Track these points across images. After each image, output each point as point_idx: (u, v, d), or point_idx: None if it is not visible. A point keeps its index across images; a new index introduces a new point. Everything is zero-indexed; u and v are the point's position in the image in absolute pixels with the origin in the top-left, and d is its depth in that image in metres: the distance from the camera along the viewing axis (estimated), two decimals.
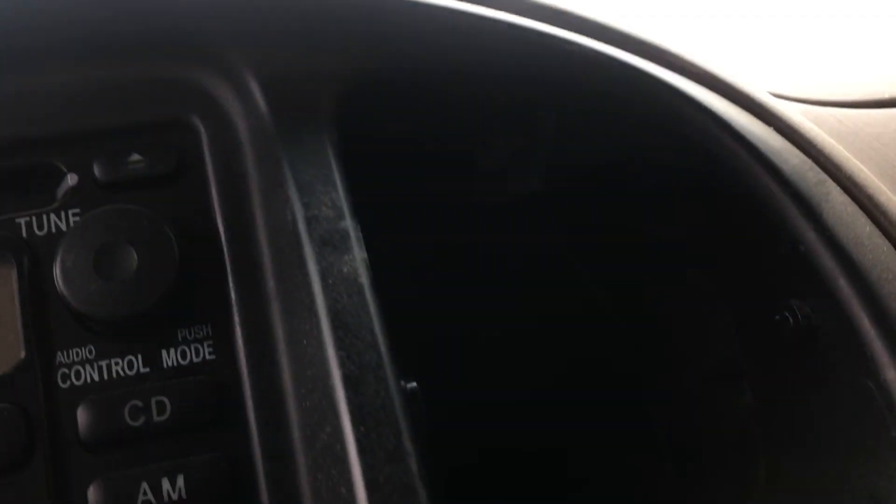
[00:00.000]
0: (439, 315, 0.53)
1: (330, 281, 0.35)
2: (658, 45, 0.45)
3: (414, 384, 0.36)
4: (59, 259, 0.36)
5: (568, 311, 0.59)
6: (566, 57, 0.41)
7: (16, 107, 0.39)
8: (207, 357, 0.38)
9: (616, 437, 0.62)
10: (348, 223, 0.36)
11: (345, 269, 0.35)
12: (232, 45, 0.39)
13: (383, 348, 0.33)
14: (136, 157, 0.39)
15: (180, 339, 0.38)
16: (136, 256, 0.36)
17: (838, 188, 0.41)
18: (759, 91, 0.44)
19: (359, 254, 0.36)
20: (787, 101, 0.54)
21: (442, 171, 0.47)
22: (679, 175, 0.45)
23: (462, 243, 0.52)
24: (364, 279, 0.35)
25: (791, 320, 0.41)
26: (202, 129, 0.40)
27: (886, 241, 0.39)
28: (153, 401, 0.36)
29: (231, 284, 0.38)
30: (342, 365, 0.33)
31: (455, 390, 0.54)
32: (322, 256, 0.35)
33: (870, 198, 0.40)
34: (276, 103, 0.39)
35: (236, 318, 0.38)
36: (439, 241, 0.51)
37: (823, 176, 0.41)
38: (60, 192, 0.40)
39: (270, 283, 0.37)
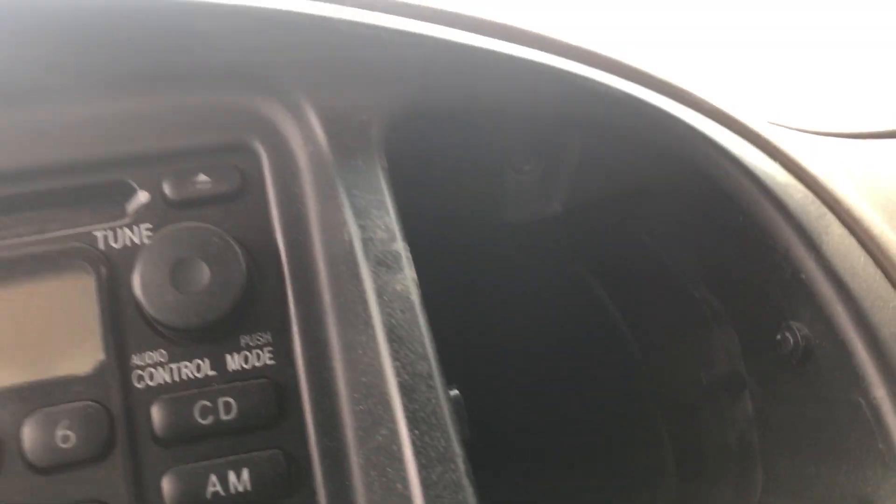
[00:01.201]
0: (469, 327, 0.57)
1: (385, 298, 0.39)
2: (673, 81, 0.48)
3: (456, 391, 0.40)
4: (138, 271, 0.40)
5: (584, 326, 0.63)
6: (595, 95, 0.45)
7: (94, 129, 0.43)
8: (268, 362, 0.42)
9: (623, 443, 0.66)
10: (400, 245, 0.40)
11: (398, 287, 0.39)
12: (294, 77, 0.43)
13: (433, 359, 0.37)
14: (202, 177, 0.43)
15: (243, 344, 0.42)
16: (208, 270, 0.40)
17: (837, 221, 0.45)
18: (768, 127, 0.48)
19: (409, 273, 0.40)
20: (791, 132, 0.58)
21: (475, 190, 0.51)
22: (691, 205, 0.49)
23: (491, 258, 0.56)
24: (415, 296, 0.39)
25: (791, 340, 0.45)
26: (263, 153, 0.44)
27: (879, 271, 0.43)
28: (220, 401, 0.40)
29: (290, 296, 0.42)
30: (398, 374, 0.37)
31: (482, 397, 0.59)
32: (378, 275, 0.39)
33: (866, 230, 0.45)
34: (332, 132, 0.43)
35: (294, 327, 0.42)
36: (470, 255, 0.55)
37: (824, 209, 0.45)
38: (130, 206, 0.43)
39: (326, 296, 0.41)
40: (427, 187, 0.48)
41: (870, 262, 0.44)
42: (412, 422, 0.36)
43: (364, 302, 0.39)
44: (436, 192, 0.50)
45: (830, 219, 0.45)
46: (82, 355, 0.41)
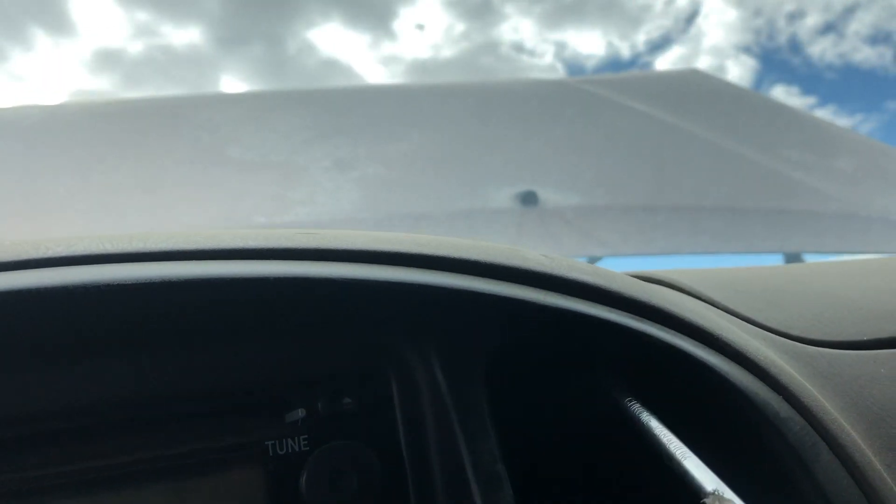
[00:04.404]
0: None
1: None
2: (700, 323, 0.62)
3: None
4: (304, 478, 0.54)
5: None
6: (642, 344, 0.59)
7: (268, 360, 0.57)
8: None
9: None
10: (500, 467, 0.54)
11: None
12: (423, 324, 0.57)
13: None
14: (347, 399, 0.57)
15: None
16: (356, 479, 0.54)
17: (827, 448, 0.58)
18: (777, 363, 0.62)
19: (507, 490, 0.53)
20: (786, 340, 0.72)
21: (557, 396, 0.65)
22: (704, 428, 0.63)
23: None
24: None
25: None
26: (393, 380, 0.58)
27: (862, 495, 0.57)
28: None
29: (411, 495, 0.56)
30: None
31: None
32: (484, 493, 0.53)
33: (849, 457, 0.58)
34: (447, 366, 0.57)
35: None
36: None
37: (816, 438, 0.58)
38: (289, 418, 0.57)
39: (441, 500, 0.55)
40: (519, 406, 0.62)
41: (852, 484, 0.57)
42: None
43: None
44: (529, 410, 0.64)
45: (822, 447, 0.58)
46: None
